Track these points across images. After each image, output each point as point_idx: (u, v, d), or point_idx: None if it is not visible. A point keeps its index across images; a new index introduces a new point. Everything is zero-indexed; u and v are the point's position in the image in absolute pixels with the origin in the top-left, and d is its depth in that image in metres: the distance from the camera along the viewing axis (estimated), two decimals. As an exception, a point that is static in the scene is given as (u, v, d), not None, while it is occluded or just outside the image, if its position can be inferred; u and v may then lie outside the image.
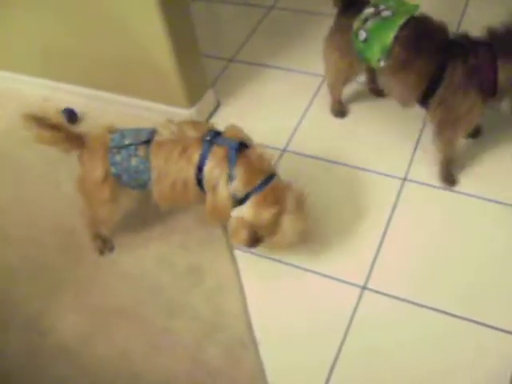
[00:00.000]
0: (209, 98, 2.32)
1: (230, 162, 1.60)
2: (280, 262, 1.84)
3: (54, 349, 1.72)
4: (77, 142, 1.69)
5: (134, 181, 1.69)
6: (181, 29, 2.02)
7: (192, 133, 1.65)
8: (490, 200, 1.89)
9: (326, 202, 1.95)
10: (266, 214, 1.58)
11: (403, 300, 1.69)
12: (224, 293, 1.77)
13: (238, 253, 1.88)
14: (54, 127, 1.63)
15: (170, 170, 1.64)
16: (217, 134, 1.66)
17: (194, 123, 1.71)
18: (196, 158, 1.62)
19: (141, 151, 1.65)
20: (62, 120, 1.69)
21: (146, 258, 1.89)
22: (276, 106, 2.33)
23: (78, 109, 2.40)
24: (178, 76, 2.10)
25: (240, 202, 1.63)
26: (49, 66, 2.42)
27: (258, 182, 1.60)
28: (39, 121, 1.61)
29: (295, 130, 2.22)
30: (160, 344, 1.69)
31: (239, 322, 1.70)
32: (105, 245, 1.93)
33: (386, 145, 2.11)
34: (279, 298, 1.76)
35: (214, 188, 1.63)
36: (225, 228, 1.92)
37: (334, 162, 2.08)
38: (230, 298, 1.76)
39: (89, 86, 2.39)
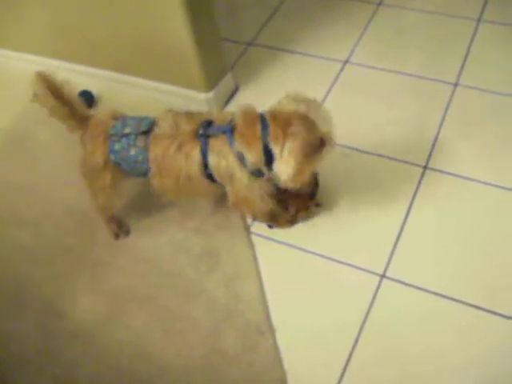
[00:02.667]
0: (227, 81, 2.29)
1: (231, 146, 1.54)
2: (298, 248, 1.81)
3: (70, 332, 1.72)
4: (83, 121, 1.65)
5: (133, 170, 1.67)
6: (201, 11, 1.98)
7: (186, 126, 1.59)
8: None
9: (344, 188, 1.93)
10: (294, 128, 1.48)
11: (424, 290, 1.67)
12: (241, 278, 1.76)
13: (254, 238, 1.86)
14: (64, 99, 1.60)
15: (169, 165, 1.60)
16: (208, 125, 1.58)
17: (188, 116, 1.64)
18: (196, 155, 1.57)
19: (140, 141, 1.61)
20: (74, 96, 1.65)
21: (162, 242, 1.88)
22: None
23: (95, 91, 2.38)
24: (197, 59, 2.07)
25: (269, 165, 1.55)
26: (66, 48, 2.40)
27: (259, 133, 1.51)
28: (52, 87, 1.58)
29: (315, 115, 2.18)
30: (176, 329, 1.68)
31: (256, 308, 1.68)
32: (120, 228, 1.91)
33: (407, 132, 2.08)
34: (296, 284, 1.74)
35: (232, 179, 1.60)
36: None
37: (353, 148, 2.05)
38: (246, 284, 1.74)
39: (106, 68, 2.37)
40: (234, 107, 1.65)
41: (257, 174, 1.58)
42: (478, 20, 2.47)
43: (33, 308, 1.78)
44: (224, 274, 1.77)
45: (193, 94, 2.20)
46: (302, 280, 1.75)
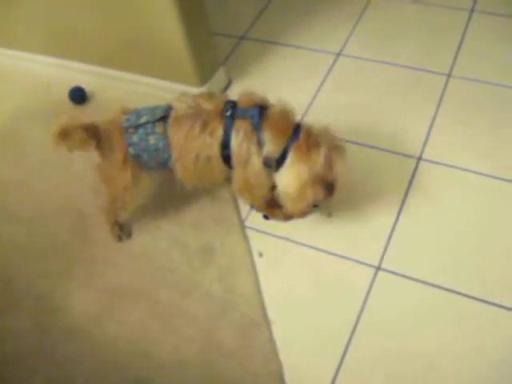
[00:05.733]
0: (220, 76, 2.28)
1: (256, 131, 1.55)
2: (292, 241, 1.81)
3: (65, 328, 1.71)
4: (93, 133, 1.61)
5: (154, 160, 1.64)
6: (192, 4, 1.97)
7: (208, 105, 1.59)
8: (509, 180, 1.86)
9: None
10: (318, 157, 1.54)
11: (419, 281, 1.67)
12: (236, 272, 1.75)
13: (249, 231, 1.85)
14: (85, 132, 1.58)
15: (191, 146, 1.58)
16: (234, 106, 1.59)
17: (208, 95, 1.65)
18: (219, 133, 1.57)
19: (158, 128, 1.59)
20: (83, 130, 1.59)
21: (158, 238, 1.87)
22: (288, 84, 2.28)
23: (87, 87, 2.36)
24: (189, 53, 2.06)
25: (278, 165, 1.58)
26: (57, 44, 2.38)
27: (289, 134, 1.56)
28: (68, 137, 1.57)
29: (308, 107, 2.18)
30: (172, 324, 1.67)
31: (252, 302, 1.68)
32: (122, 231, 1.89)
33: (401, 123, 2.07)
34: (292, 277, 1.74)
35: (246, 162, 1.59)
36: (236, 207, 1.91)
37: (347, 141, 2.03)
38: (242, 278, 1.74)
39: (98, 63, 2.35)
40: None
41: (268, 164, 1.59)
42: (471, 10, 2.46)
43: (26, 305, 1.77)
44: (219, 269, 1.77)
45: (185, 88, 2.18)
46: (297, 273, 1.74)
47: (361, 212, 1.85)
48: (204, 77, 2.19)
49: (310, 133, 1.57)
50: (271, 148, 1.56)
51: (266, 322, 1.64)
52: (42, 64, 2.49)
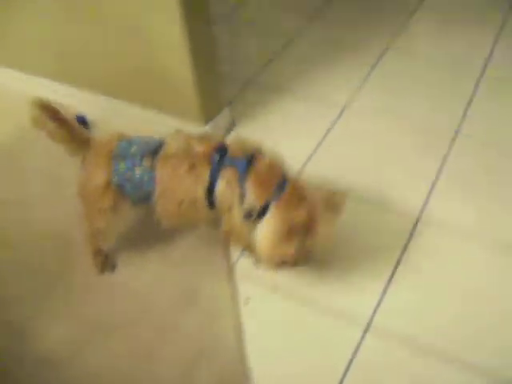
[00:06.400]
0: (224, 116, 2.27)
1: (241, 181, 1.53)
2: (282, 291, 1.74)
3: (39, 358, 1.61)
4: (83, 143, 1.62)
5: (137, 192, 1.61)
6: (201, 43, 1.97)
7: (199, 148, 1.57)
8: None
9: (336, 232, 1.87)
10: (298, 213, 1.49)
11: (409, 344, 1.59)
12: (219, 317, 1.68)
13: (238, 276, 1.79)
14: (62, 122, 1.58)
15: (176, 187, 1.57)
16: (224, 152, 1.57)
17: (202, 137, 1.63)
18: (205, 178, 1.55)
19: (146, 161, 1.58)
20: (72, 119, 1.64)
21: (143, 273, 1.80)
22: (292, 132, 2.26)
23: (89, 116, 2.35)
24: (195, 91, 2.05)
25: (260, 217, 1.54)
26: (63, 70, 2.39)
27: (273, 188, 1.52)
28: (49, 111, 1.57)
29: (309, 158, 2.15)
30: (146, 365, 1.58)
31: (232, 349, 1.60)
32: (106, 262, 1.82)
33: (402, 180, 2.04)
34: (277, 328, 1.66)
35: (230, 210, 1.57)
36: (228, 249, 1.85)
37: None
38: (225, 324, 1.66)
39: (103, 93, 2.35)
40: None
41: (248, 216, 1.55)
42: (482, 74, 2.48)
43: (-1, 330, 1.69)
44: (202, 312, 1.69)
45: (188, 126, 2.17)
46: (283, 324, 1.67)
47: (354, 268, 1.79)
48: (208, 116, 2.18)
49: (296, 187, 1.54)
50: (252, 201, 1.53)
51: (245, 374, 1.55)
52: (46, 89, 2.47)
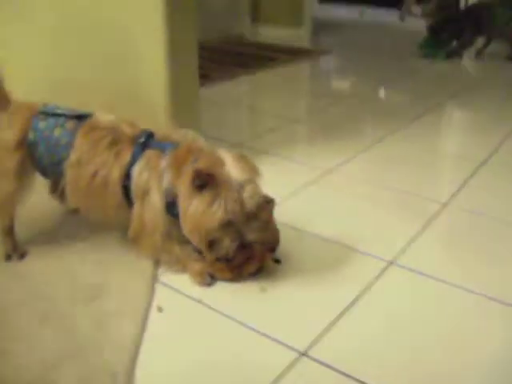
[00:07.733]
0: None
1: (163, 164, 1.42)
2: (206, 305, 1.41)
3: None
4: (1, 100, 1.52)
5: (49, 155, 1.48)
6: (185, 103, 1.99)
7: (127, 129, 1.49)
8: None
9: (291, 266, 1.58)
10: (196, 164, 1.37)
11: (347, 376, 1.20)
12: (120, 317, 1.34)
13: (160, 286, 1.48)
14: None
15: (91, 158, 1.44)
16: (150, 136, 1.48)
17: (131, 121, 1.54)
18: (126, 157, 1.44)
19: (69, 124, 1.48)
20: None
21: (52, 267, 1.53)
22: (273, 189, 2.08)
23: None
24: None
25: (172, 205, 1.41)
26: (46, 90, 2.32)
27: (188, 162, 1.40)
28: None
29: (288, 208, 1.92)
30: (11, 347, 1.24)
31: (121, 351, 1.24)
32: (15, 249, 1.58)
33: (380, 232, 1.78)
34: (191, 342, 1.31)
35: (145, 194, 1.42)
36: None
37: (307, 232, 1.74)
38: (123, 325, 1.32)
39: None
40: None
41: (171, 210, 1.41)
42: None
43: None
44: (101, 308, 1.37)
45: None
46: (201, 338, 1.32)
47: (305, 297, 1.47)
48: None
49: (190, 147, 1.44)
50: (171, 177, 1.41)
51: (128, 373, 1.17)
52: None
